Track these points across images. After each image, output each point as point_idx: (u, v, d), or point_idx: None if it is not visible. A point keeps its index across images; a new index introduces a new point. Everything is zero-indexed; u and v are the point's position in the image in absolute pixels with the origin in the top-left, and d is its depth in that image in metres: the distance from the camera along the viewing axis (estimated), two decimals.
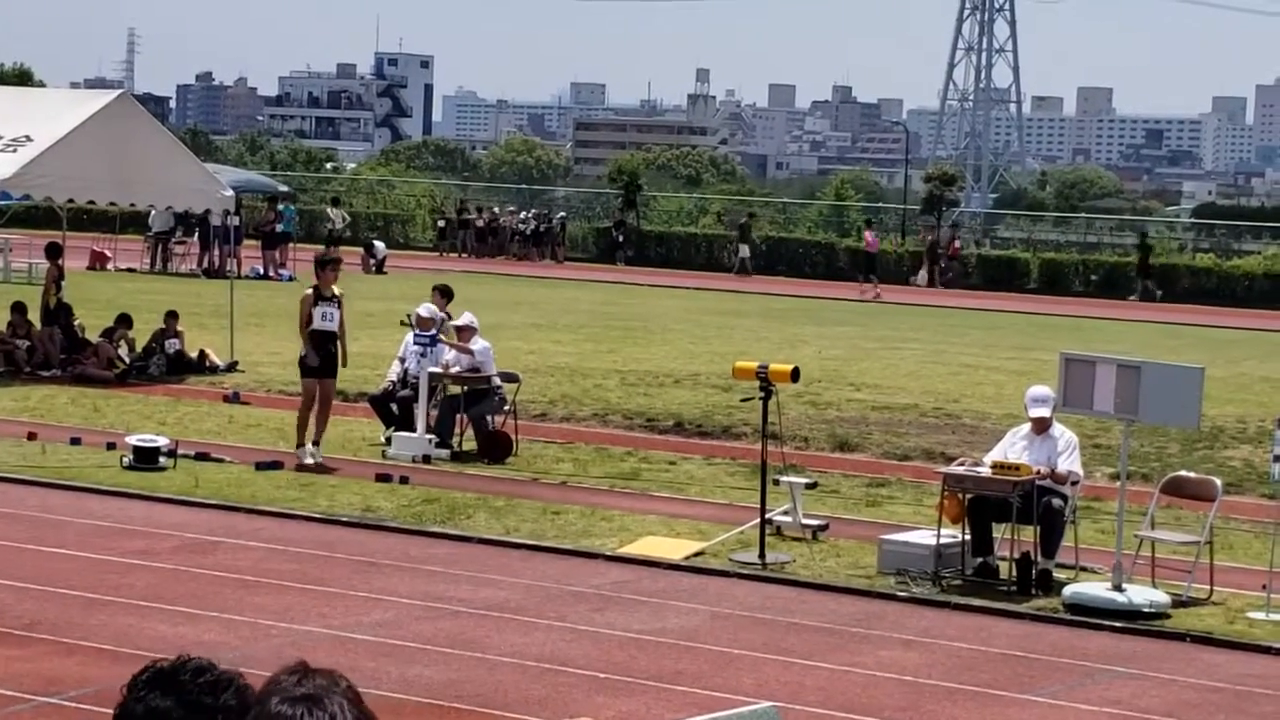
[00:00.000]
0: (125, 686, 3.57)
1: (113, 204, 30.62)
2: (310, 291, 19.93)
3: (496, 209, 69.97)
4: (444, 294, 22.83)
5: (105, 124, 26.70)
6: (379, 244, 56.01)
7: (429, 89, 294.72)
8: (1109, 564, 14.84)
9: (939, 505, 15.68)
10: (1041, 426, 15.49)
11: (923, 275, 60.53)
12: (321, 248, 52.15)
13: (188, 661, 3.57)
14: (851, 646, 13.15)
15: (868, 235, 58.45)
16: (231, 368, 26.74)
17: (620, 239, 66.48)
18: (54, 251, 27.61)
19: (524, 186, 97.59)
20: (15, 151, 25.91)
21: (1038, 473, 15.12)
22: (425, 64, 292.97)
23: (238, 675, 3.60)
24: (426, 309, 21.53)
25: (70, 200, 28.28)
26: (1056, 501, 15.18)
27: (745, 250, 62.38)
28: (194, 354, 26.80)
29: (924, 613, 14.32)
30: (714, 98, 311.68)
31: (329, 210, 60.09)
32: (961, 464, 16.00)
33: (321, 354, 19.73)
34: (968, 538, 15.34)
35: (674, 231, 70.27)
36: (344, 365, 20.34)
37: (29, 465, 18.73)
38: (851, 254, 61.96)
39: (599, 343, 33.56)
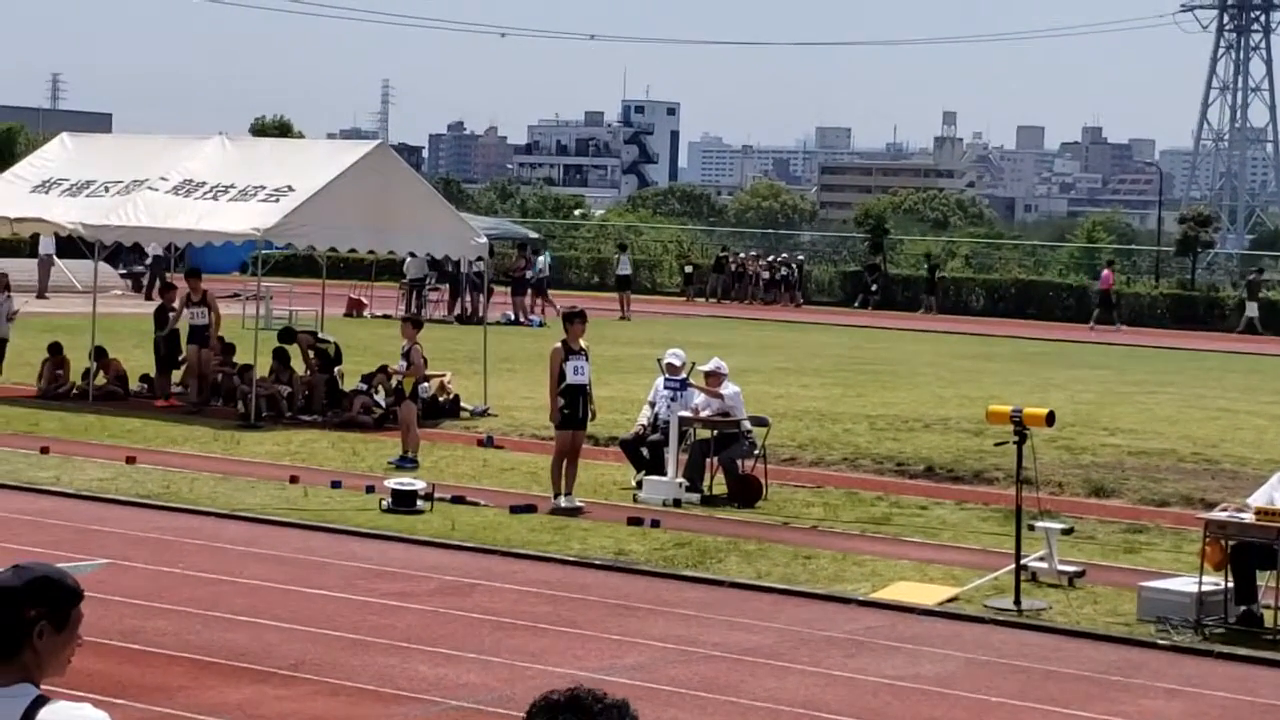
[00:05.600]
0: (526, 715, 3.89)
1: (371, 252, 31.31)
2: (559, 346, 20.07)
3: (742, 254, 70.27)
4: (415, 325, 24.08)
5: (364, 174, 27.34)
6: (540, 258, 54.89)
7: (675, 135, 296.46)
8: None
9: (1201, 552, 15.35)
10: None
11: None
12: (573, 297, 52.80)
13: (582, 691, 3.93)
14: (1112, 695, 12.92)
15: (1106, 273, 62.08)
16: (484, 412, 27.11)
17: (874, 286, 66.11)
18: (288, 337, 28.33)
19: (769, 231, 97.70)
20: (278, 201, 26.63)
21: None
22: (671, 111, 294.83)
23: (629, 703, 3.90)
24: (674, 354, 21.65)
25: (331, 249, 28.97)
26: None
27: (1254, 309, 60.07)
28: (445, 396, 27.24)
29: (1186, 661, 14.02)
30: (961, 140, 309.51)
31: (616, 256, 60.72)
32: (1224, 510, 15.65)
33: (574, 407, 19.89)
34: (1230, 585, 15.00)
35: (921, 275, 69.83)
36: (594, 419, 20.55)
37: (292, 508, 19.19)
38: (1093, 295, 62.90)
39: (847, 387, 33.44)
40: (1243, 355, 48.25)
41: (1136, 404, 32.30)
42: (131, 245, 33.65)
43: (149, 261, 50.66)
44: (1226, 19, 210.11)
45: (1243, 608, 14.95)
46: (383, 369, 26.87)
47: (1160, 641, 14.46)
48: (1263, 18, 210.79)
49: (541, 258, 54.68)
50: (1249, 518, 14.95)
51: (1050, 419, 16.32)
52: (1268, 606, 14.98)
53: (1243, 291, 62.11)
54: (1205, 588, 14.95)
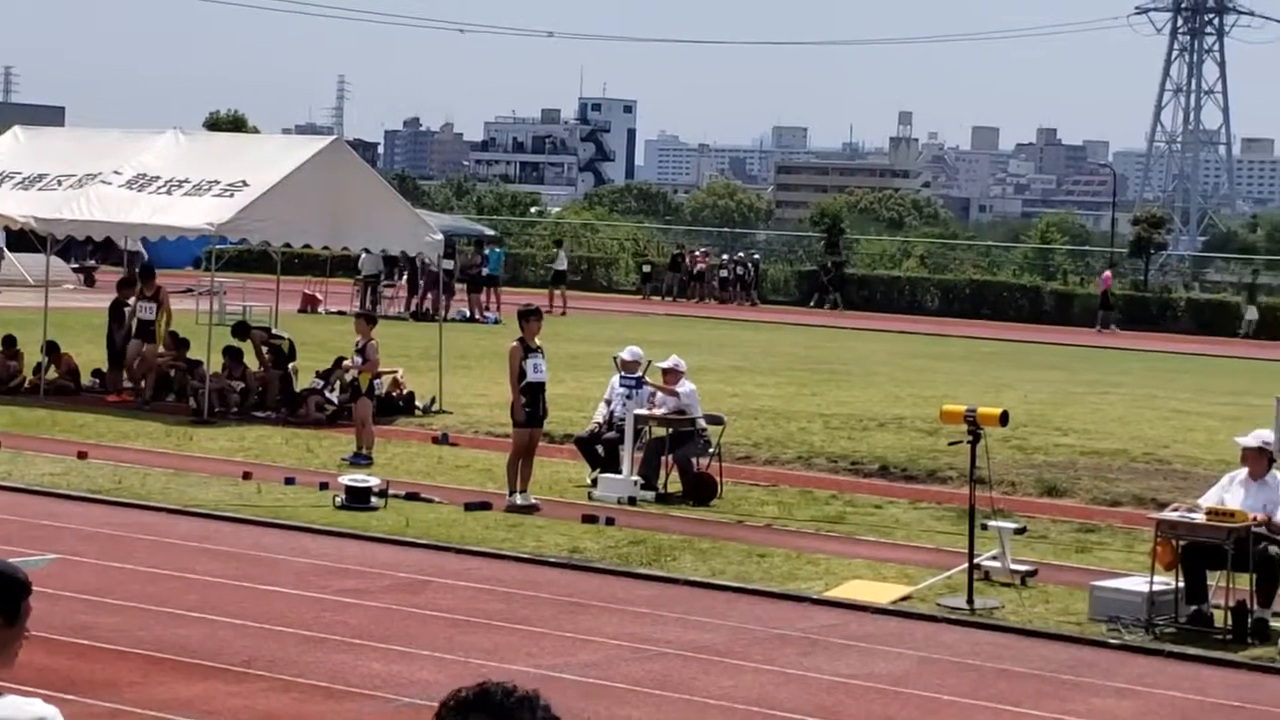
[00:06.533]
0: (435, 715, 3.83)
1: (326, 248, 31.21)
2: (517, 344, 19.99)
3: (697, 252, 70.33)
4: (369, 321, 23.93)
5: (319, 169, 27.23)
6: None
7: (632, 133, 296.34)
8: None
9: (1152, 551, 15.42)
10: (1258, 471, 15.19)
11: None
12: (545, 289, 52.68)
13: (491, 686, 3.84)
14: (1063, 694, 12.97)
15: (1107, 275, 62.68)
16: (429, 408, 27.06)
17: (827, 283, 66.16)
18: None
19: (725, 230, 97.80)
20: (232, 196, 26.52)
21: (1254, 519, 14.83)
22: (628, 109, 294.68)
23: (539, 694, 3.85)
24: (631, 352, 21.64)
25: (286, 244, 28.86)
26: (1273, 549, 14.86)
27: (1253, 312, 60.07)
28: (399, 393, 27.18)
29: (1136, 661, 14.09)
30: (916, 140, 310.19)
31: (555, 251, 60.73)
32: (1175, 510, 15.73)
33: (534, 405, 19.82)
34: (1181, 585, 15.07)
35: (876, 274, 70.07)
36: (546, 415, 20.49)
37: (245, 505, 19.11)
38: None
39: (802, 385, 33.49)
40: (1195, 357, 48.50)
41: (1089, 404, 32.44)
42: (84, 239, 33.40)
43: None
44: (1180, 22, 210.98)
45: (1193, 607, 15.02)
46: (338, 363, 26.79)
47: (1111, 641, 14.52)
48: (1216, 21, 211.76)
49: (487, 251, 54.56)
50: (1200, 518, 15.02)
51: (1004, 419, 16.37)
52: (1218, 606, 15.06)
53: (1242, 296, 62.34)
54: (1156, 587, 15.02)
